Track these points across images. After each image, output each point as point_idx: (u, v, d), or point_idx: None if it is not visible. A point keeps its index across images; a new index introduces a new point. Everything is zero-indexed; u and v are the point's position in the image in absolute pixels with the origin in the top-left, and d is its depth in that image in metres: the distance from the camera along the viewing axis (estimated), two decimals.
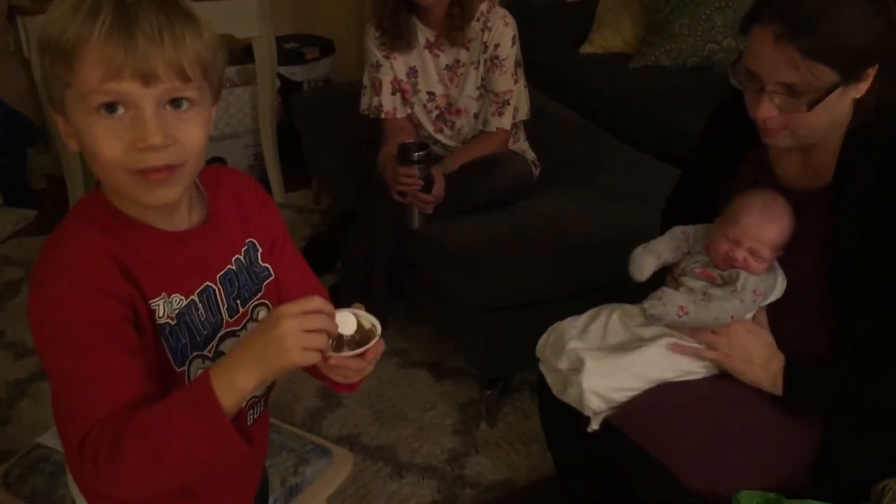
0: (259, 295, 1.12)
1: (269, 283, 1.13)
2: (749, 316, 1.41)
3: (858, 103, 1.31)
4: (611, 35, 3.35)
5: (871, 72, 1.28)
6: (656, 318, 1.39)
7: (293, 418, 2.18)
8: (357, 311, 1.00)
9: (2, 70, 3.24)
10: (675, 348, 1.41)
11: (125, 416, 0.91)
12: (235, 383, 0.90)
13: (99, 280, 0.94)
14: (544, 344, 1.52)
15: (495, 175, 2.30)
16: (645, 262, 1.46)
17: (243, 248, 1.11)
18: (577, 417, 1.45)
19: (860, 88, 1.29)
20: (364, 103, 2.46)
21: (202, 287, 1.05)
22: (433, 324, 2.45)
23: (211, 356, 1.06)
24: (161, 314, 1.00)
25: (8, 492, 1.42)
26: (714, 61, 3.10)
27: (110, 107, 0.91)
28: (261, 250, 1.13)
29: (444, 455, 2.09)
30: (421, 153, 2.20)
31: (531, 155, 2.47)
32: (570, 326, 1.49)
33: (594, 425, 1.41)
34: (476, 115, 2.37)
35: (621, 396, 1.40)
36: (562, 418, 1.52)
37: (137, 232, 1.00)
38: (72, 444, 0.93)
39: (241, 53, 3.44)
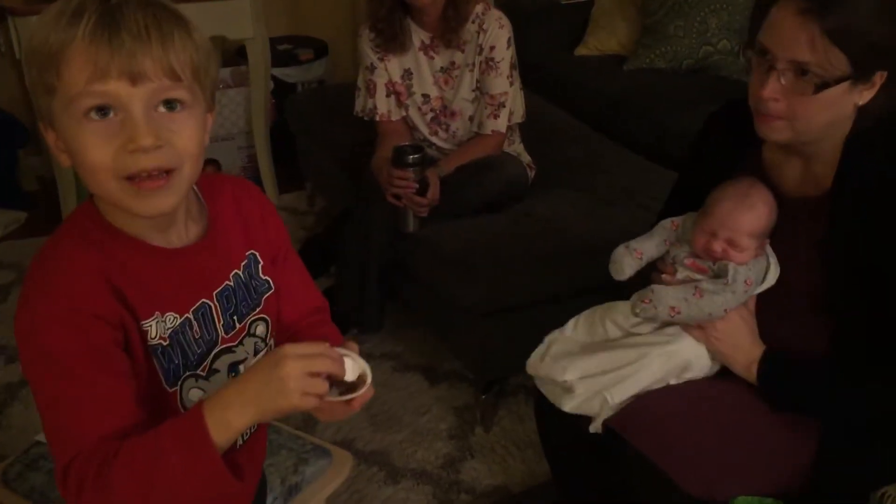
0: (258, 310, 1.10)
1: (268, 296, 1.11)
2: None
3: (860, 112, 1.30)
4: (605, 37, 3.35)
5: (879, 79, 1.27)
6: (648, 320, 1.39)
7: (288, 423, 2.17)
8: (349, 352, 0.98)
9: None
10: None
11: (113, 446, 0.88)
12: (229, 421, 0.88)
13: (89, 302, 0.92)
14: (537, 363, 1.50)
15: (490, 178, 2.29)
16: (625, 264, 1.44)
17: (243, 263, 1.08)
18: (574, 422, 1.44)
19: (864, 95, 1.28)
20: (358, 105, 2.44)
21: (198, 304, 1.03)
22: (428, 327, 2.44)
23: (204, 375, 1.04)
24: (153, 335, 0.98)
25: (7, 490, 1.41)
26: (709, 63, 3.10)
27: (99, 110, 0.88)
28: (262, 263, 1.11)
29: (440, 460, 2.08)
30: (416, 156, 2.19)
31: (526, 157, 2.46)
32: (560, 341, 1.48)
33: (597, 425, 1.41)
34: (471, 118, 2.36)
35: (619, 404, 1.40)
36: (559, 423, 1.51)
37: (131, 249, 0.97)
38: (58, 468, 0.91)
39: (234, 55, 3.43)
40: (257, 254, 1.10)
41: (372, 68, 2.36)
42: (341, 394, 0.96)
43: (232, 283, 1.07)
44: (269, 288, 1.12)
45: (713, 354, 1.41)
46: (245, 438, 1.12)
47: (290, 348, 0.89)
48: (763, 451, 1.37)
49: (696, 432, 1.37)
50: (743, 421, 1.39)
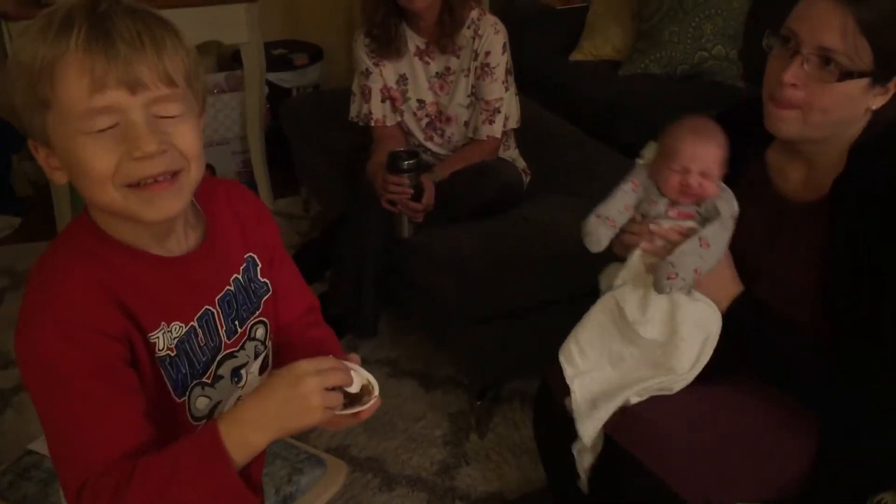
0: (257, 313, 1.10)
1: (266, 299, 1.11)
2: None
3: (871, 118, 1.30)
4: (601, 42, 3.35)
5: (893, 86, 1.28)
6: (680, 291, 1.35)
7: None
8: (353, 365, 0.99)
9: None
10: (650, 268, 1.37)
11: (127, 465, 0.88)
12: (251, 441, 0.89)
13: (93, 318, 0.90)
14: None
15: (485, 183, 2.29)
16: (602, 234, 1.40)
17: (242, 266, 1.08)
18: (571, 428, 1.44)
19: (877, 100, 1.29)
20: (353, 111, 2.44)
21: (201, 311, 1.02)
22: (423, 333, 2.43)
23: (210, 382, 1.04)
24: (161, 347, 0.97)
25: None
26: (704, 69, 3.10)
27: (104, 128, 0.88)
28: (260, 265, 1.11)
29: (434, 466, 2.07)
30: (411, 161, 2.19)
31: (521, 163, 2.46)
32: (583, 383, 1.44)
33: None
34: (466, 123, 2.36)
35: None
36: (556, 429, 1.50)
37: (132, 259, 0.96)
38: (70, 488, 0.90)
39: (229, 59, 3.43)
40: (255, 256, 1.10)
41: (367, 73, 2.36)
42: (345, 406, 0.96)
43: (233, 288, 1.07)
44: (268, 290, 1.12)
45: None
46: None
47: (307, 365, 0.90)
48: (760, 458, 1.37)
49: (692, 438, 1.37)
50: (739, 427, 1.39)
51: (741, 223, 1.46)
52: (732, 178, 1.47)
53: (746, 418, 1.40)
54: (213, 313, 1.04)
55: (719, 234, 1.35)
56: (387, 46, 2.30)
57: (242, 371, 1.09)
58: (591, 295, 1.57)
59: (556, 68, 3.33)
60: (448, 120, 2.37)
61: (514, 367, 2.18)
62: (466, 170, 2.30)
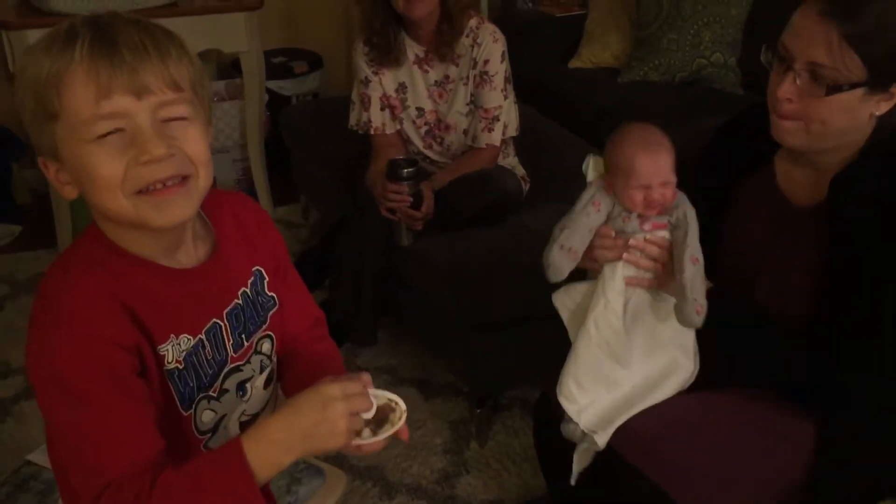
0: (264, 327, 1.10)
1: (273, 313, 1.11)
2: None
3: (878, 123, 1.30)
4: (599, 50, 3.36)
5: None
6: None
7: None
8: (372, 390, 0.99)
9: None
10: (632, 281, 1.39)
11: (147, 476, 0.88)
12: (274, 460, 0.90)
13: (106, 329, 0.91)
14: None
15: (485, 191, 2.29)
16: (564, 266, 1.39)
17: (250, 280, 1.08)
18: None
19: (880, 106, 1.28)
20: (353, 119, 2.45)
21: (209, 324, 1.02)
22: (422, 341, 2.43)
23: (216, 395, 1.04)
24: (170, 360, 0.97)
25: None
26: (702, 76, 3.11)
27: (111, 133, 0.88)
28: (267, 278, 1.11)
29: (434, 475, 2.07)
30: (410, 170, 2.19)
31: (521, 170, 2.46)
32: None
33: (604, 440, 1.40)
34: (465, 131, 2.37)
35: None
36: (556, 437, 1.50)
37: (143, 271, 0.96)
38: (86, 498, 0.90)
39: (229, 67, 3.43)
40: (262, 269, 1.10)
41: (366, 82, 2.36)
42: (362, 432, 0.97)
43: (241, 301, 1.06)
44: (275, 304, 1.11)
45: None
46: None
47: (335, 389, 0.91)
48: (758, 465, 1.37)
49: (690, 447, 1.37)
50: (737, 435, 1.39)
51: (744, 225, 1.46)
52: (739, 182, 1.47)
53: (744, 425, 1.40)
54: (220, 326, 1.04)
55: (693, 238, 1.35)
56: (386, 55, 2.31)
57: (247, 385, 1.09)
58: None
59: (555, 76, 3.33)
60: (447, 128, 2.38)
61: (514, 375, 2.17)
62: (466, 178, 2.30)
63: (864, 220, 1.29)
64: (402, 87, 2.36)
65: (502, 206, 2.30)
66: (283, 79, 3.48)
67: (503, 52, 2.29)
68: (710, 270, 1.50)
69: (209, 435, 1.06)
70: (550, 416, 1.53)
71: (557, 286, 1.46)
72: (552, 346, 1.49)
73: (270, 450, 0.90)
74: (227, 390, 1.06)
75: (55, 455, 1.02)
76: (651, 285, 1.39)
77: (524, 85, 2.60)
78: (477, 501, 2.00)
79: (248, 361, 1.08)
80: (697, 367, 1.42)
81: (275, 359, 1.14)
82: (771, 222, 1.43)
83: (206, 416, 1.04)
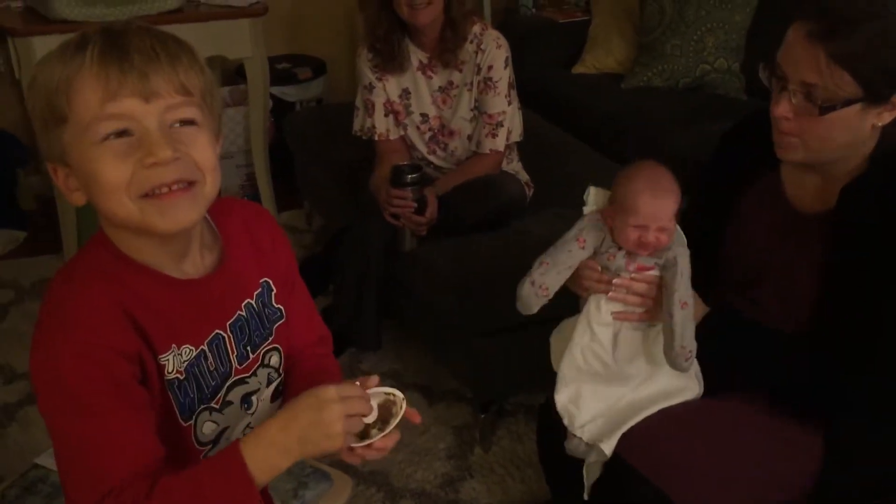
0: (270, 339, 1.09)
1: (279, 325, 1.10)
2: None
3: (883, 132, 1.30)
4: (603, 55, 3.36)
5: None
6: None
7: None
8: (372, 389, 0.99)
9: None
10: (619, 316, 1.39)
11: (146, 483, 0.88)
12: (273, 463, 0.90)
13: (109, 337, 0.91)
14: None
15: (488, 196, 2.29)
16: (533, 302, 1.41)
17: (256, 292, 1.08)
18: None
19: (882, 116, 1.28)
20: (357, 125, 2.45)
21: (212, 336, 1.02)
22: (426, 346, 2.43)
23: (218, 407, 1.04)
24: (170, 369, 0.97)
25: None
26: (705, 82, 3.11)
27: (117, 134, 0.88)
28: (275, 290, 1.10)
29: (438, 480, 2.07)
30: (414, 175, 2.19)
31: (524, 176, 2.47)
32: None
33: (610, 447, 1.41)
34: (469, 137, 2.37)
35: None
36: (561, 444, 1.50)
37: (147, 280, 0.96)
38: None
39: (233, 74, 3.44)
40: (271, 281, 1.09)
41: (370, 88, 2.37)
42: (362, 436, 0.97)
43: (244, 314, 1.06)
44: (281, 317, 1.11)
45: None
46: None
47: (332, 391, 0.91)
48: (763, 472, 1.37)
49: (695, 453, 1.37)
50: (742, 441, 1.39)
51: (748, 229, 1.46)
52: (743, 187, 1.47)
53: (749, 432, 1.40)
54: (223, 338, 1.03)
55: (684, 280, 1.35)
56: (390, 61, 2.31)
57: (253, 398, 1.09)
58: None
59: (558, 81, 3.34)
60: (451, 134, 2.38)
61: (518, 380, 2.17)
62: (469, 183, 2.31)
63: (872, 227, 1.29)
64: (405, 93, 2.37)
65: (506, 211, 2.31)
66: (287, 85, 3.49)
67: (507, 58, 2.30)
68: (714, 273, 1.50)
69: (210, 447, 1.05)
70: (554, 421, 1.53)
71: (570, 295, 1.46)
72: None
73: (268, 453, 0.90)
74: (230, 402, 1.05)
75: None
76: (642, 319, 1.40)
77: (528, 90, 2.61)
78: None
79: (255, 374, 1.08)
80: (702, 387, 1.42)
81: (283, 372, 1.13)
82: (776, 227, 1.43)
83: (208, 428, 1.04)
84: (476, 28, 2.28)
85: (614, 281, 1.37)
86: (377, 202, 2.26)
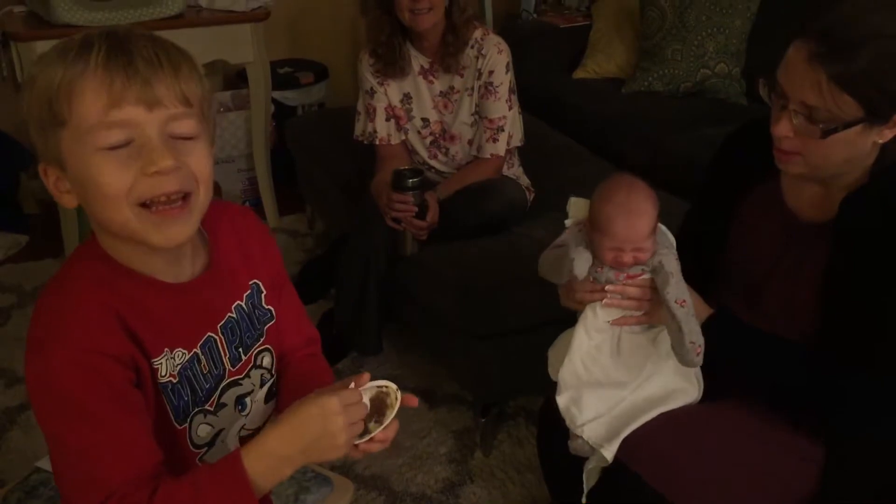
0: (261, 340, 1.10)
1: (270, 326, 1.11)
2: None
3: (883, 148, 1.29)
4: (604, 60, 3.37)
5: None
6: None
7: None
8: (365, 385, 0.99)
9: None
10: (618, 322, 1.39)
11: (145, 489, 0.88)
12: (275, 472, 0.91)
13: (104, 343, 0.91)
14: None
15: (489, 201, 2.30)
16: (584, 259, 1.36)
17: (245, 293, 1.08)
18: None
19: (884, 134, 1.26)
20: (358, 129, 2.46)
21: (204, 338, 1.02)
22: (426, 350, 2.44)
23: (212, 409, 1.04)
24: (164, 373, 0.97)
25: None
26: (706, 86, 3.12)
27: (120, 144, 0.89)
28: (265, 292, 1.10)
29: (439, 484, 2.07)
30: (415, 180, 2.20)
31: (525, 180, 2.47)
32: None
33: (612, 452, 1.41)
34: (470, 142, 2.38)
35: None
36: (560, 447, 1.50)
37: (139, 285, 0.96)
38: None
39: (235, 78, 3.45)
40: (260, 283, 1.10)
41: (371, 93, 2.38)
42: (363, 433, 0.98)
43: (235, 315, 1.06)
44: (272, 318, 1.11)
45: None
46: None
47: (336, 402, 0.91)
48: (763, 477, 1.37)
49: (698, 459, 1.37)
50: (742, 447, 1.39)
51: (751, 235, 1.46)
52: (746, 192, 1.47)
53: (749, 438, 1.39)
54: (215, 340, 1.04)
55: (678, 280, 1.35)
56: (391, 66, 2.32)
57: (247, 399, 1.09)
58: None
59: (559, 86, 3.35)
60: (452, 138, 2.39)
61: (518, 384, 2.17)
62: (470, 188, 2.31)
63: (873, 237, 1.29)
64: (407, 98, 2.38)
65: (507, 216, 2.31)
66: (288, 89, 3.50)
67: (508, 63, 2.30)
68: (716, 278, 1.51)
69: (205, 449, 1.06)
70: (554, 425, 1.53)
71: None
72: None
73: (270, 463, 0.91)
74: (224, 404, 1.06)
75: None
76: (642, 322, 1.40)
77: (529, 95, 2.61)
78: None
79: (248, 375, 1.08)
80: (702, 390, 1.42)
81: (275, 373, 1.14)
82: (778, 235, 1.43)
83: (203, 431, 1.04)
84: (477, 33, 2.29)
85: (607, 288, 1.38)
86: (378, 207, 2.27)
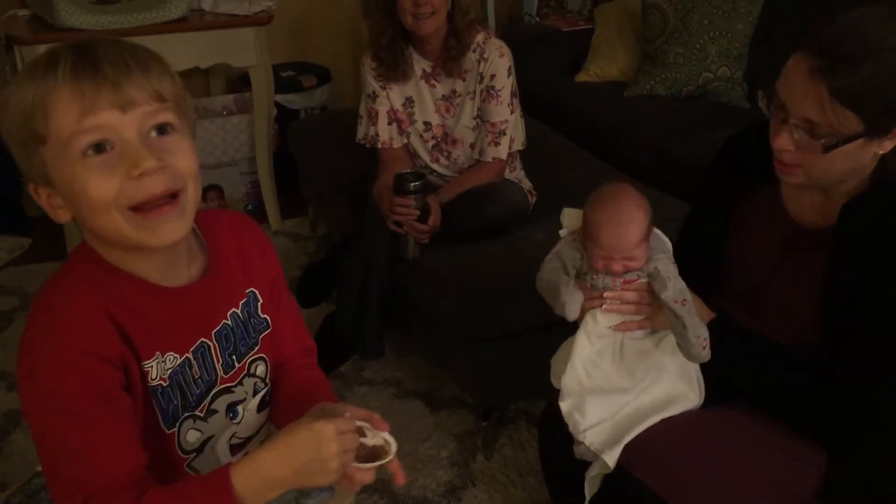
0: (256, 349, 1.10)
1: (265, 335, 1.11)
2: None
3: (884, 159, 1.28)
4: (606, 64, 3.37)
5: None
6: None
7: None
8: (371, 430, 1.00)
9: None
10: (620, 327, 1.39)
11: (129, 492, 0.88)
12: (264, 493, 0.91)
13: (95, 344, 0.91)
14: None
15: (491, 204, 2.30)
16: (575, 301, 1.38)
17: (242, 301, 1.08)
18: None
19: (884, 145, 1.26)
20: (360, 133, 2.46)
21: (197, 344, 1.02)
22: (428, 353, 2.44)
23: (202, 415, 1.04)
24: (154, 376, 0.97)
25: None
26: (708, 90, 3.12)
27: (97, 147, 0.88)
28: (262, 301, 1.10)
29: (441, 488, 2.07)
30: (417, 183, 2.20)
31: (527, 184, 2.47)
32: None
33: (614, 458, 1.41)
34: (472, 145, 2.38)
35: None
36: (561, 451, 1.50)
37: (134, 288, 0.97)
38: None
39: (238, 81, 3.46)
40: (257, 291, 1.10)
41: (374, 96, 2.38)
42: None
43: (230, 322, 1.06)
44: (267, 327, 1.11)
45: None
46: None
47: (332, 430, 0.91)
48: (767, 484, 1.37)
49: (700, 464, 1.37)
50: (747, 453, 1.39)
51: (751, 240, 1.46)
52: (745, 195, 1.47)
53: (753, 444, 1.39)
54: (209, 346, 1.03)
55: (676, 282, 1.35)
56: (393, 70, 2.33)
57: (239, 407, 1.09)
58: None
59: (561, 89, 3.35)
60: (454, 142, 2.39)
61: (520, 387, 2.18)
62: (472, 191, 2.31)
63: (873, 243, 1.29)
64: (409, 102, 2.38)
65: (508, 219, 2.31)
66: (291, 92, 3.50)
67: (510, 67, 2.30)
68: (717, 282, 1.50)
69: (194, 455, 1.06)
70: (556, 429, 1.53)
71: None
72: None
73: (259, 483, 0.90)
74: (215, 411, 1.05)
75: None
76: (644, 327, 1.40)
77: (531, 99, 2.62)
78: None
79: (240, 383, 1.08)
80: (703, 396, 1.42)
81: (269, 382, 1.14)
82: (779, 240, 1.43)
83: (192, 436, 1.04)
84: (479, 37, 2.29)
85: (605, 294, 1.38)
86: (380, 210, 2.27)
